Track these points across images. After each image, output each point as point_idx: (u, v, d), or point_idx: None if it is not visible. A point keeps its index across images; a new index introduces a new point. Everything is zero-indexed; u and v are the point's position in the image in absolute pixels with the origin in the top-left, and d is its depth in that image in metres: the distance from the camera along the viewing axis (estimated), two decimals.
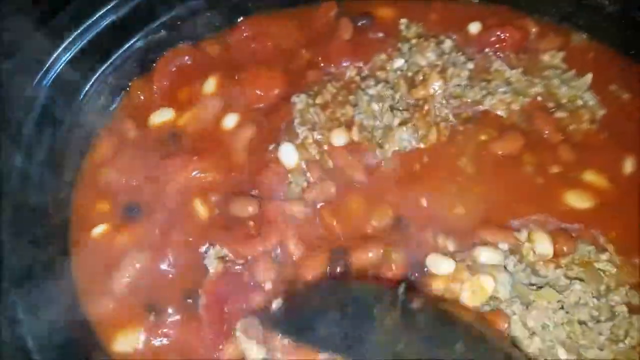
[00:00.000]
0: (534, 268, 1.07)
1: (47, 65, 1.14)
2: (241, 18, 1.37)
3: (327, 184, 1.15)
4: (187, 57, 1.35)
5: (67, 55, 1.17)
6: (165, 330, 1.05)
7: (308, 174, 1.18)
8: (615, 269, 1.05)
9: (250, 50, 1.36)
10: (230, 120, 1.26)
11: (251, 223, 1.11)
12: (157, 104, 1.29)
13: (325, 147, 1.21)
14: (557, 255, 1.07)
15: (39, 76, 1.12)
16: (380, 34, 1.36)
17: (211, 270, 1.06)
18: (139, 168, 1.18)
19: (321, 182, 1.16)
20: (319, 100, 1.27)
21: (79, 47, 1.18)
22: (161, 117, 1.27)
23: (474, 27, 1.36)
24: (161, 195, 1.16)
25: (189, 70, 1.34)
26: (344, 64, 1.32)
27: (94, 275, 1.10)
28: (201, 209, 1.15)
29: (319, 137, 1.22)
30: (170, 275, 1.10)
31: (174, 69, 1.34)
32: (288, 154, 1.19)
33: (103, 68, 1.24)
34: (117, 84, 1.27)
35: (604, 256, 1.07)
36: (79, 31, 1.17)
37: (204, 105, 1.27)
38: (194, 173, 1.19)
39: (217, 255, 1.08)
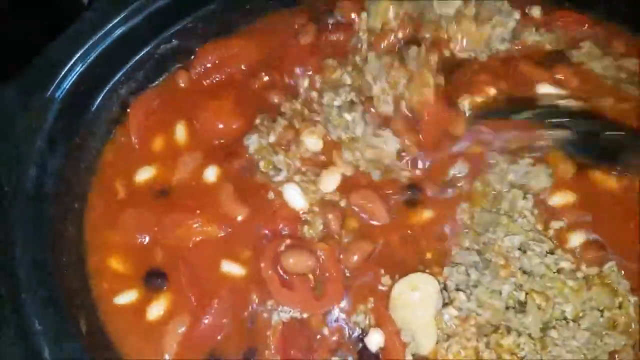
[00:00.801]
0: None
1: (60, 77, 1.15)
2: (199, 46, 1.34)
3: (363, 244, 1.09)
4: (156, 102, 1.32)
5: (80, 66, 1.17)
6: None
7: (329, 216, 1.10)
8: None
9: (211, 82, 1.32)
10: (210, 174, 1.21)
11: (311, 276, 1.08)
12: (138, 156, 1.27)
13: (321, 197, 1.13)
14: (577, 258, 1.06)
15: (52, 87, 1.14)
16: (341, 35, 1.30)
17: (274, 322, 1.05)
18: (142, 228, 1.17)
19: (356, 240, 1.09)
20: (272, 139, 1.19)
21: (92, 58, 1.18)
22: (144, 174, 1.23)
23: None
24: (177, 256, 1.14)
25: (161, 115, 1.31)
26: (297, 71, 1.27)
27: (138, 342, 1.09)
28: (235, 269, 1.12)
29: (304, 184, 1.14)
30: (221, 332, 1.08)
31: (146, 117, 1.30)
32: (294, 197, 1.12)
33: (115, 79, 1.25)
34: (127, 96, 1.29)
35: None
36: (91, 42, 1.18)
37: (182, 160, 1.24)
38: (195, 226, 1.15)
39: (279, 317, 1.06)
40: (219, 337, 1.06)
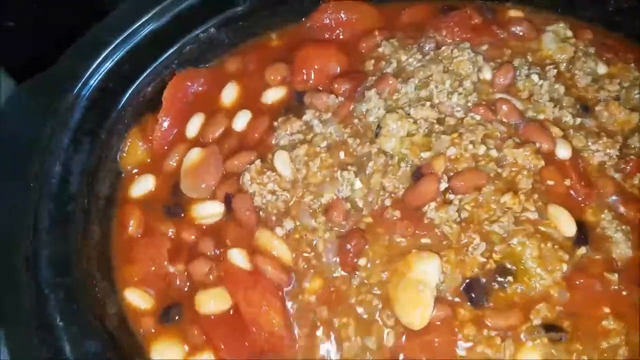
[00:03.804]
0: None
1: (87, 75, 1.08)
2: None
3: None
4: (200, 81, 1.14)
5: (106, 66, 1.10)
6: None
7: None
8: None
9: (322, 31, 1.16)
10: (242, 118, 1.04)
11: None
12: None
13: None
14: None
15: (79, 85, 1.07)
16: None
17: None
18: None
19: None
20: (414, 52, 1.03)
21: (118, 57, 1.11)
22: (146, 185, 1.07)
23: None
24: None
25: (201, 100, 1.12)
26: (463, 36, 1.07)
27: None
28: None
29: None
30: None
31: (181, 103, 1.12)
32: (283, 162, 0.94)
33: (142, 77, 1.15)
34: (153, 95, 1.17)
35: None
36: (118, 41, 1.12)
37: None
38: None
39: None
40: None
